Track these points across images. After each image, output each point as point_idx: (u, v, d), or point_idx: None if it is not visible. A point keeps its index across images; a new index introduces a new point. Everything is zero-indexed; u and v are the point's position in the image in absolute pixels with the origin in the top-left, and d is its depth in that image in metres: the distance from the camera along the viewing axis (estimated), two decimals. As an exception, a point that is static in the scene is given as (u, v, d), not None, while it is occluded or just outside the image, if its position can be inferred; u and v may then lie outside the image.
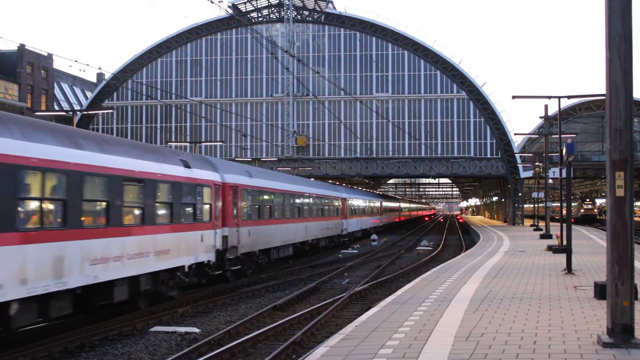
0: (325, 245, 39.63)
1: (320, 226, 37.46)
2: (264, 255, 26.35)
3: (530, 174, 65.28)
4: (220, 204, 21.38)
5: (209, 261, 20.23)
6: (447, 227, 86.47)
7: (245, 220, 23.76)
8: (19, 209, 11.86)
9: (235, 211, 22.75)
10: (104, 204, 14.51)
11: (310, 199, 35.34)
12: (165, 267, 17.08)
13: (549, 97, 33.76)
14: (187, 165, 19.01)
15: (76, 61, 30.24)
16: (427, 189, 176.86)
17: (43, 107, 65.01)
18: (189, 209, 18.90)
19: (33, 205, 12.44)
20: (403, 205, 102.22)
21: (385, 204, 73.90)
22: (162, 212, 17.31)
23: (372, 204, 60.79)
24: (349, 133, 68.68)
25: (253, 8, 71.23)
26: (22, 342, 12.89)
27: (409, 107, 69.15)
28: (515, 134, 66.17)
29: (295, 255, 32.98)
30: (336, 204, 42.73)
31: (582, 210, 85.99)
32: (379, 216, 66.32)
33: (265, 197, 26.91)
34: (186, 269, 18.46)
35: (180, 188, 18.13)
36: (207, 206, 20.19)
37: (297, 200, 32.29)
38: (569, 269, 18.67)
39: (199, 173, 19.73)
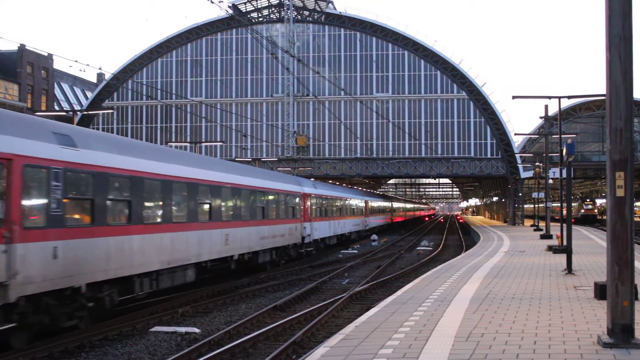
0: (272, 260, 27.86)
1: (259, 233, 25.16)
2: (112, 290, 14.88)
3: (530, 174, 65.27)
4: None
5: None
6: (447, 227, 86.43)
7: (40, 229, 12.36)
8: None
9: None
10: None
11: (239, 194, 23.20)
12: None
13: (549, 97, 33.77)
14: None
15: (76, 61, 30.25)
16: (427, 189, 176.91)
17: (43, 107, 65.07)
18: None
19: None
20: (396, 205, 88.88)
21: (373, 203, 62.50)
22: None
23: (352, 203, 49.38)
24: (349, 133, 68.68)
25: (253, 8, 71.24)
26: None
27: (409, 107, 69.15)
28: (515, 134, 66.21)
29: (213, 278, 23.42)
30: (293, 201, 31.17)
31: (583, 211, 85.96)
32: (363, 218, 55.03)
33: (116, 184, 15.25)
34: None
35: None
36: None
37: (206, 194, 20.07)
38: (569, 269, 18.67)
39: None
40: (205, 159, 23.08)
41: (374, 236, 52.42)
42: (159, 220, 17.28)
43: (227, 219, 21.99)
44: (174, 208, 18.12)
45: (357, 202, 52.01)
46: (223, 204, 21.80)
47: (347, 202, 47.18)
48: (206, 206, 20.30)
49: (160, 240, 17.05)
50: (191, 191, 19.11)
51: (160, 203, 17.47)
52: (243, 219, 23.54)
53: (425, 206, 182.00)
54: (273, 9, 71.24)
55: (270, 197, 27.48)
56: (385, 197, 79.52)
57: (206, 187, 20.19)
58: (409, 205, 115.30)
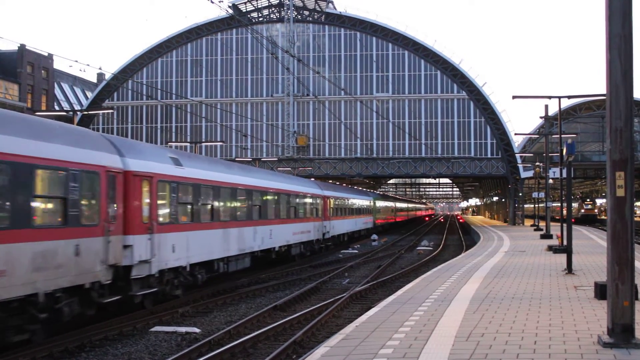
0: None
1: None
2: None
3: (530, 174, 65.28)
4: None
5: None
6: (448, 227, 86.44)
7: None
8: None
9: None
10: None
11: None
12: None
13: (549, 97, 33.74)
14: None
15: (76, 61, 30.23)
16: (427, 189, 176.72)
17: (43, 107, 65.07)
18: None
19: None
20: (382, 203, 70.29)
21: (340, 200, 44.60)
22: None
23: (290, 198, 30.95)
24: (350, 133, 68.68)
25: (253, 8, 71.25)
26: (22, 342, 12.86)
27: (410, 107, 69.15)
28: (515, 134, 66.35)
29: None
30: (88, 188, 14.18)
31: (583, 211, 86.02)
32: (320, 221, 37.19)
33: None
34: None
35: None
36: None
37: None
38: (569, 269, 18.68)
39: None
40: None
41: (374, 236, 52.33)
42: None
43: None
44: None
45: (303, 197, 33.79)
46: None
47: (275, 197, 28.52)
48: None
49: None
50: None
51: None
52: None
53: (424, 205, 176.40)
54: (273, 9, 71.24)
55: None
56: (363, 193, 60.15)
57: None
58: (401, 205, 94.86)
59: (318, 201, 37.00)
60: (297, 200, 32.31)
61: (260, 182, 26.38)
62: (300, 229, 32.54)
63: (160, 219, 17.23)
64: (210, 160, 24.50)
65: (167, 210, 17.81)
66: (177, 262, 18.11)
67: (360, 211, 53.12)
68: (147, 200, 16.62)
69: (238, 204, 23.55)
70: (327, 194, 39.73)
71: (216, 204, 21.31)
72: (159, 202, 17.26)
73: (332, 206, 40.67)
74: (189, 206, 19.37)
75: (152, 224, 16.66)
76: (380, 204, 67.83)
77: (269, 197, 27.36)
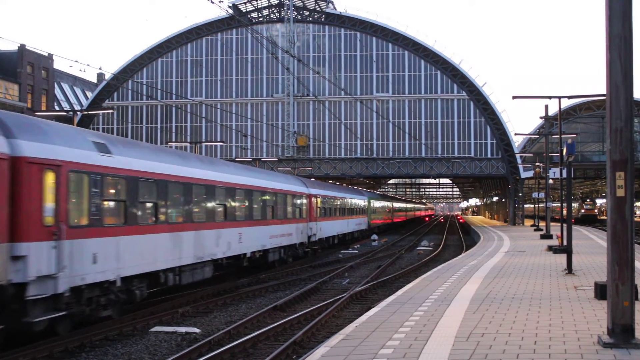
0: None
1: None
2: None
3: (530, 174, 65.27)
4: None
5: None
6: (448, 227, 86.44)
7: None
8: None
9: None
10: None
11: None
12: None
13: (549, 97, 33.75)
14: None
15: (76, 61, 30.22)
16: (427, 189, 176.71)
17: (43, 107, 65.08)
18: None
19: None
20: (379, 204, 67.16)
21: (333, 199, 41.23)
22: None
23: (270, 199, 27.61)
24: (350, 133, 68.68)
25: (253, 8, 71.26)
26: (22, 342, 12.87)
27: (410, 107, 69.15)
28: (515, 134, 66.24)
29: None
30: None
31: (583, 211, 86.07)
32: (306, 224, 33.34)
33: None
34: None
35: None
36: None
37: None
38: (569, 269, 18.68)
39: None
40: None
41: (374, 236, 52.30)
42: None
43: None
44: None
45: (283, 195, 29.45)
46: None
47: (247, 195, 24.37)
48: None
49: None
50: None
51: None
52: None
53: (423, 206, 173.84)
54: (273, 9, 71.25)
55: None
56: (357, 192, 56.37)
57: None
58: (399, 204, 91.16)
59: (302, 200, 33.01)
60: (276, 198, 28.14)
61: (225, 177, 22.15)
62: (280, 232, 28.39)
63: (74, 221, 13.30)
64: (158, 149, 19.76)
65: (84, 210, 13.80)
66: (101, 275, 14.06)
67: (353, 211, 49.34)
68: (52, 197, 12.60)
69: (194, 203, 19.33)
70: (314, 192, 35.62)
71: (162, 202, 17.16)
72: (72, 199, 13.29)
73: (319, 205, 36.61)
74: (121, 205, 15.25)
75: (59, 228, 12.61)
76: (376, 203, 63.62)
77: (238, 195, 23.21)
